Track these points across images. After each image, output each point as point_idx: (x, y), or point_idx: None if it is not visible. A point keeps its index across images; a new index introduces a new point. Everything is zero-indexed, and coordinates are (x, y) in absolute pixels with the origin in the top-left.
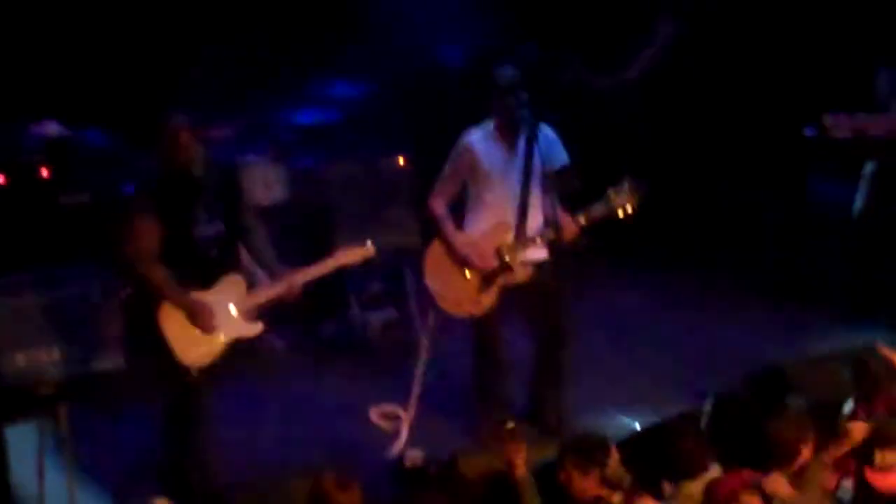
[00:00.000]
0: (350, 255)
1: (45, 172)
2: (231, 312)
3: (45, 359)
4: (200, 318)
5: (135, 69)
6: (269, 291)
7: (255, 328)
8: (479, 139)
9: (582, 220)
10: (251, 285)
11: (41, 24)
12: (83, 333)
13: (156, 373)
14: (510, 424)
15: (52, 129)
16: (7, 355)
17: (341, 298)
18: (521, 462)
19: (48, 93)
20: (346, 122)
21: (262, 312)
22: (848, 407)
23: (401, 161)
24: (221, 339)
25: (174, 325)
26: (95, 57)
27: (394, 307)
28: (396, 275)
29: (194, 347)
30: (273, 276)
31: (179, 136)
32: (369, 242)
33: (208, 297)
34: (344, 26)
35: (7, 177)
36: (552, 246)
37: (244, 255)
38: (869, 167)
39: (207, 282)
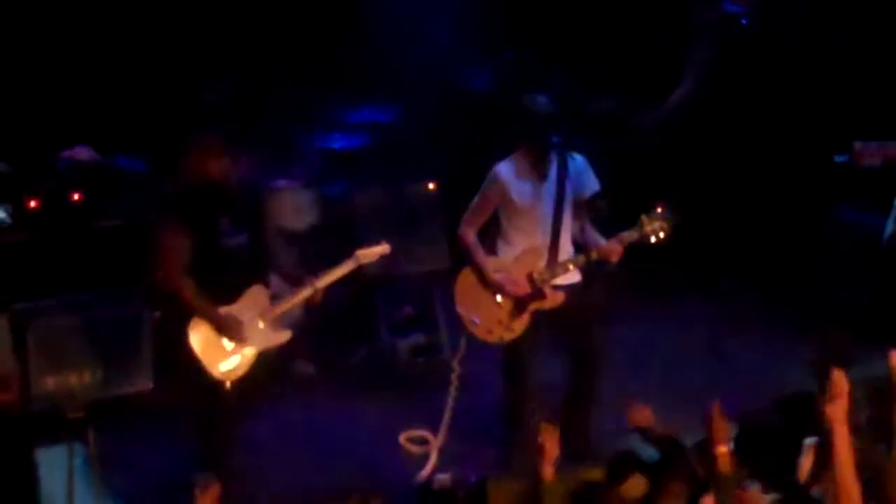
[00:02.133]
0: (368, 255)
1: (77, 197)
2: (258, 323)
3: (75, 382)
4: (231, 331)
5: (165, 95)
6: (292, 298)
7: (283, 336)
8: (510, 170)
9: (618, 245)
10: (275, 295)
11: (75, 51)
12: (114, 357)
13: (187, 391)
14: (549, 427)
15: (84, 154)
16: (38, 378)
17: (371, 324)
18: (551, 467)
19: (81, 119)
20: (375, 148)
21: (291, 326)
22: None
23: (430, 186)
24: (251, 350)
25: (203, 340)
26: (127, 83)
27: (423, 333)
28: (426, 300)
29: (224, 360)
30: (294, 281)
31: (213, 148)
32: (385, 242)
33: (235, 309)
34: (373, 51)
35: (40, 201)
36: (584, 270)
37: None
38: None
39: (234, 292)
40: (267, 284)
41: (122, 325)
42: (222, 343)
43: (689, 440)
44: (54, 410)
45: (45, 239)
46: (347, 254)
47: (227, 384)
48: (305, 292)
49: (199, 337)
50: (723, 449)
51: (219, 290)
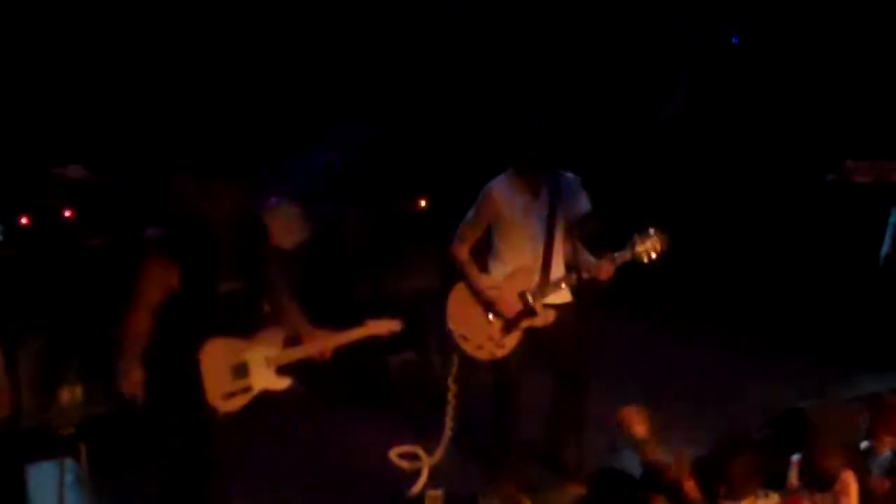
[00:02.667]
0: (379, 327)
1: (68, 214)
2: (265, 364)
3: (66, 398)
4: (238, 366)
5: (157, 113)
6: (303, 351)
7: (285, 383)
8: (503, 187)
9: (609, 264)
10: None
11: (67, 70)
12: (104, 373)
13: (178, 411)
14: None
15: (76, 172)
16: (29, 396)
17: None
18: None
19: (72, 137)
20: (366, 165)
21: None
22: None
23: (422, 203)
24: (253, 389)
25: (212, 366)
26: (118, 101)
27: (413, 350)
28: (416, 317)
29: (227, 393)
30: (300, 334)
31: (184, 196)
32: (397, 320)
33: (247, 347)
34: (364, 67)
35: (31, 218)
36: (575, 289)
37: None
38: (894, 215)
39: (242, 330)
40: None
41: (111, 342)
42: (229, 374)
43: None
44: (45, 427)
45: (37, 256)
46: (357, 321)
47: (220, 414)
48: (317, 349)
49: (209, 359)
50: (690, 483)
51: (215, 333)
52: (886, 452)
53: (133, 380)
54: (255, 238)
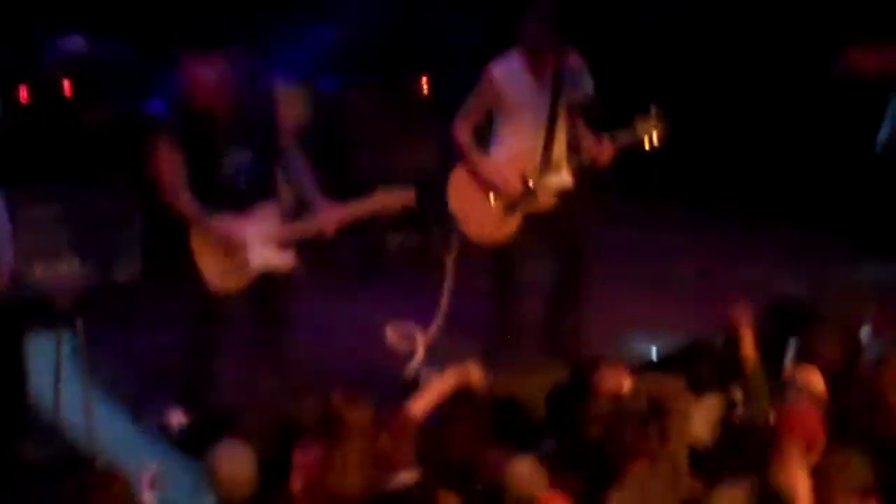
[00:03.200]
0: (390, 199)
1: (67, 88)
2: (264, 241)
3: (63, 270)
4: (232, 244)
5: None
6: (304, 227)
7: (287, 258)
8: (505, 69)
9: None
10: (288, 213)
11: None
12: (102, 245)
13: (180, 289)
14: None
15: (75, 43)
16: (26, 266)
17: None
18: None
19: (73, 8)
20: (368, 42)
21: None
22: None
23: (424, 82)
24: (252, 267)
25: (204, 251)
26: None
27: (413, 229)
28: (417, 197)
29: (224, 273)
30: (311, 208)
31: (197, 77)
32: (411, 190)
33: (242, 223)
34: None
35: (30, 92)
36: (577, 173)
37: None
38: (894, 100)
39: (242, 207)
40: (278, 202)
41: (112, 215)
42: (223, 256)
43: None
44: (43, 298)
45: (35, 129)
46: (368, 192)
47: (220, 294)
48: (319, 224)
49: (200, 246)
50: (747, 335)
51: (221, 208)
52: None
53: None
54: (265, 107)
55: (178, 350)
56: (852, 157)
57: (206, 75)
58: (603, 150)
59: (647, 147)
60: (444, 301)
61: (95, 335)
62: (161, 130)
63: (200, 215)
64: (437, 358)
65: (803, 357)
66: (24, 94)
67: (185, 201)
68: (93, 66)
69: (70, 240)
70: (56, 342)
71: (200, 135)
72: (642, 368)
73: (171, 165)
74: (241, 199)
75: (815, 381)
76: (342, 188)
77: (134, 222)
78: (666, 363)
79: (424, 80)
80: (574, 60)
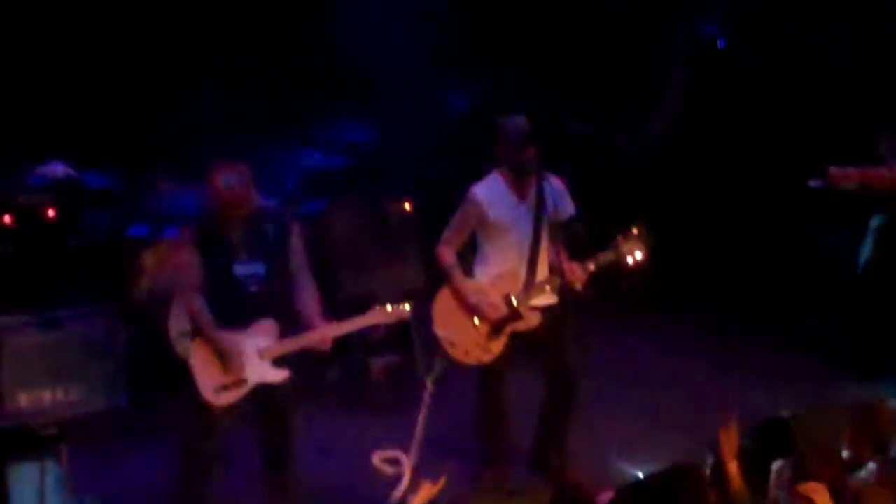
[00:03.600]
0: (386, 315)
1: (51, 213)
2: (260, 357)
3: (47, 399)
4: (230, 359)
5: (141, 112)
6: (300, 341)
7: (282, 374)
8: (487, 191)
9: (591, 266)
10: (287, 330)
11: (49, 68)
12: (86, 373)
13: (178, 405)
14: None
15: (58, 170)
16: (10, 395)
17: (345, 343)
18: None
19: (55, 134)
20: (352, 167)
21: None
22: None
23: (407, 206)
24: (248, 381)
25: (201, 360)
26: (101, 99)
27: (396, 353)
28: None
29: (218, 385)
30: (308, 324)
31: (222, 180)
32: (407, 305)
33: (240, 338)
34: (350, 71)
35: (14, 218)
36: (560, 292)
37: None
38: (875, 220)
39: (243, 319)
40: (279, 319)
41: (96, 342)
42: (219, 368)
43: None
44: (27, 427)
45: (19, 255)
46: (364, 307)
47: (217, 410)
48: (314, 338)
49: (198, 355)
50: (733, 465)
51: (225, 316)
52: (870, 464)
53: (237, 358)
54: (279, 223)
55: (166, 476)
56: (834, 275)
57: (233, 179)
58: (577, 275)
59: (630, 264)
60: (421, 427)
61: (80, 463)
62: (184, 233)
63: (207, 323)
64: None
65: (800, 476)
66: (8, 220)
67: (197, 305)
68: (76, 192)
69: (54, 367)
70: (40, 471)
71: (219, 240)
72: (626, 490)
73: (190, 267)
74: (247, 309)
75: (822, 498)
76: (328, 308)
77: (118, 348)
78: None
79: (407, 201)
80: (556, 182)
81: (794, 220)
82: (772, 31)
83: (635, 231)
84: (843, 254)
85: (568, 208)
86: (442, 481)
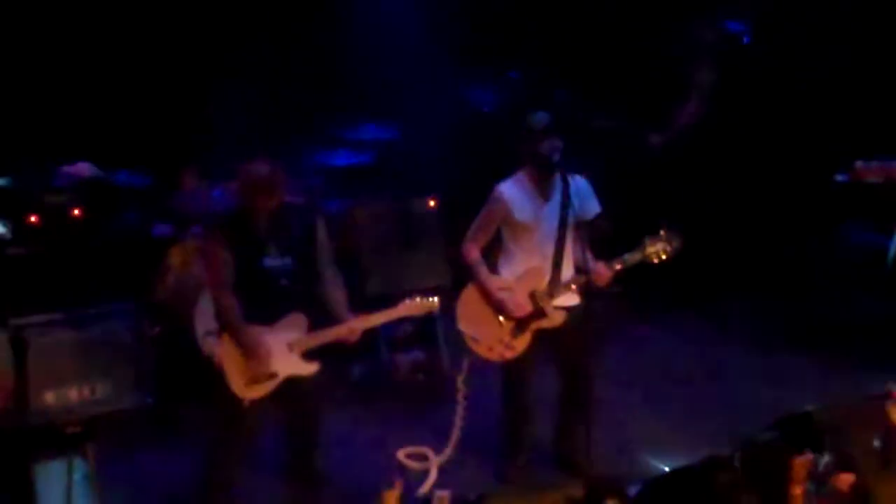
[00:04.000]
0: (415, 307)
1: (77, 212)
2: (289, 350)
3: (74, 397)
4: (256, 358)
5: (166, 112)
6: (329, 334)
7: (311, 367)
8: (512, 189)
9: (617, 266)
10: (316, 323)
11: (76, 67)
12: (112, 371)
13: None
14: None
15: (85, 170)
16: (37, 393)
17: (371, 341)
18: None
19: (82, 134)
20: (377, 164)
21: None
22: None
23: (431, 203)
24: (277, 375)
25: (231, 355)
26: (130, 98)
27: (422, 349)
28: (426, 317)
29: (250, 382)
30: (335, 318)
31: (254, 173)
32: (436, 298)
33: (269, 333)
34: (376, 68)
35: (40, 218)
36: (584, 291)
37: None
38: None
39: (272, 315)
40: (308, 312)
41: (123, 341)
42: (249, 363)
43: (689, 458)
44: (53, 425)
45: (46, 254)
46: (390, 305)
47: (246, 402)
48: (343, 331)
49: (227, 350)
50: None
51: (256, 310)
52: None
53: (265, 357)
54: (306, 218)
55: (192, 474)
56: (861, 272)
57: (263, 172)
58: (603, 275)
59: (656, 263)
60: (458, 425)
61: (107, 461)
62: (214, 229)
63: (237, 320)
64: (450, 478)
65: (840, 467)
66: (34, 219)
67: (227, 302)
68: (102, 191)
69: (81, 366)
70: (67, 469)
71: (248, 235)
72: (653, 484)
73: (220, 263)
74: (277, 302)
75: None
76: (354, 306)
77: (145, 346)
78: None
79: (432, 198)
80: (581, 181)
81: (823, 215)
82: (797, 28)
83: (662, 232)
84: (873, 248)
85: (593, 207)
86: None
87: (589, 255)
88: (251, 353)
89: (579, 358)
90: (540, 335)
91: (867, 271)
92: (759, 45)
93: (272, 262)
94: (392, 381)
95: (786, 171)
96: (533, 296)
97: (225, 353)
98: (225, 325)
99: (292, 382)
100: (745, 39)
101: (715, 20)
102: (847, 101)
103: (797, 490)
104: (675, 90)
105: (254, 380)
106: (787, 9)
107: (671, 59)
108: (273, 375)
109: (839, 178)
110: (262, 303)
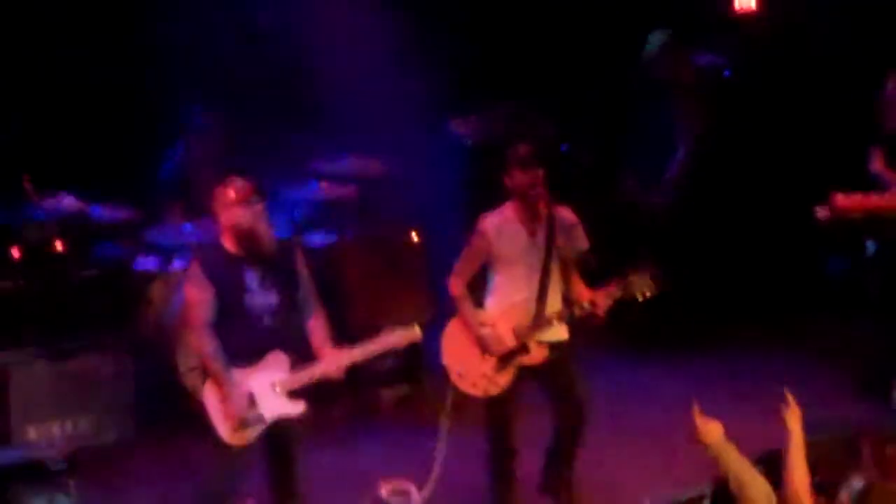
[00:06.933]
0: (396, 338)
1: (59, 246)
2: (274, 390)
3: (56, 431)
4: (233, 405)
5: (146, 144)
6: (313, 372)
7: (298, 407)
8: (496, 224)
9: (617, 293)
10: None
11: (54, 99)
12: (94, 406)
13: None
14: None
15: (66, 202)
16: (19, 428)
17: (354, 374)
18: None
19: (61, 167)
20: (359, 198)
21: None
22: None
23: (414, 236)
24: (265, 418)
25: (216, 402)
26: (108, 132)
27: (406, 383)
28: (410, 350)
29: (235, 427)
30: (318, 355)
31: (242, 194)
32: (417, 327)
33: (252, 375)
34: (357, 101)
35: (22, 251)
36: (570, 326)
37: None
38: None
39: (256, 353)
40: (291, 351)
41: (105, 375)
42: (233, 407)
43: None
44: (36, 461)
45: (27, 288)
46: (374, 333)
47: (234, 449)
48: (329, 368)
49: (212, 395)
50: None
51: (239, 349)
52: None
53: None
54: (288, 254)
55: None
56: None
57: (242, 202)
58: (598, 305)
59: (640, 300)
60: (439, 460)
61: (89, 496)
62: (193, 266)
63: (218, 363)
64: None
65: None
66: (15, 253)
67: (206, 344)
68: (83, 225)
69: (63, 400)
70: None
71: (230, 272)
72: None
73: (200, 303)
74: (260, 342)
75: None
76: (338, 340)
77: (127, 380)
78: None
79: (414, 231)
80: (567, 214)
81: (807, 245)
82: (775, 59)
83: (647, 268)
84: (858, 278)
85: (580, 241)
86: None
87: (582, 287)
88: (228, 402)
89: (568, 393)
90: (525, 372)
91: (855, 303)
92: (741, 77)
93: (255, 299)
94: (376, 416)
95: (769, 202)
96: (516, 331)
97: (210, 398)
98: (205, 370)
99: (279, 426)
100: (725, 73)
101: (687, 58)
102: (829, 130)
103: None
104: (660, 138)
105: (242, 424)
106: (765, 43)
107: (649, 94)
108: (260, 419)
109: (820, 213)
110: (245, 343)
